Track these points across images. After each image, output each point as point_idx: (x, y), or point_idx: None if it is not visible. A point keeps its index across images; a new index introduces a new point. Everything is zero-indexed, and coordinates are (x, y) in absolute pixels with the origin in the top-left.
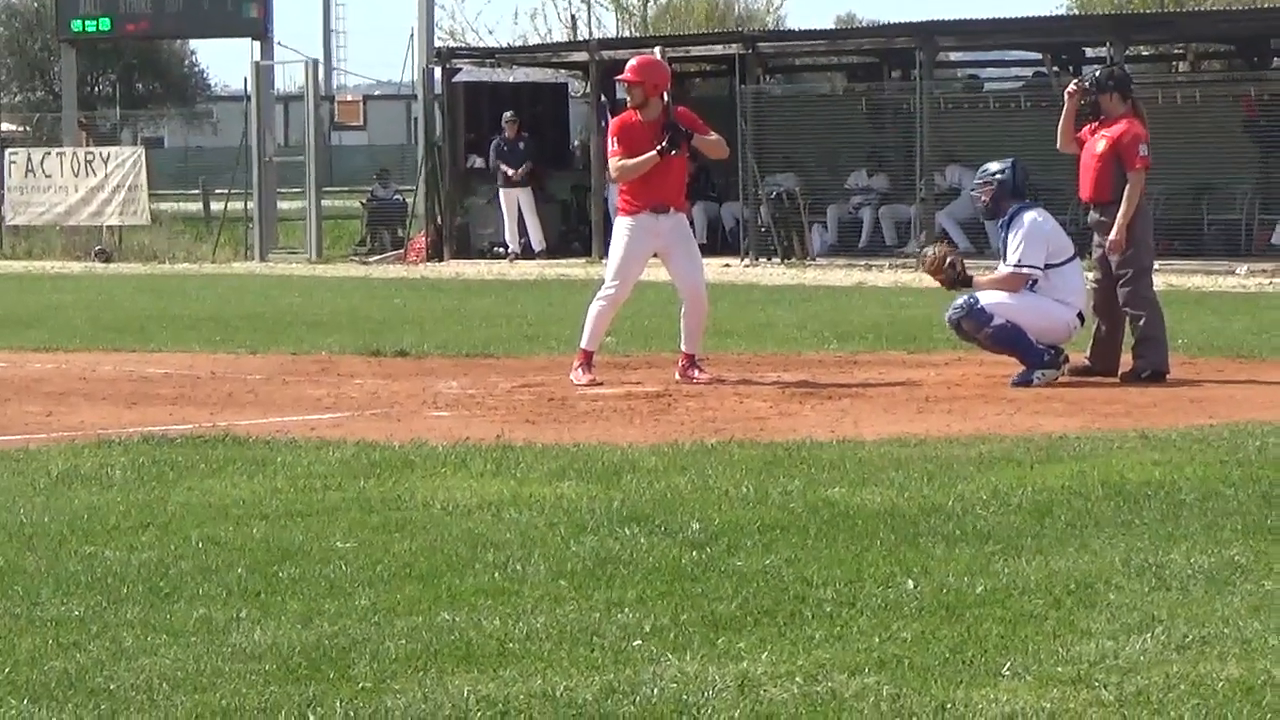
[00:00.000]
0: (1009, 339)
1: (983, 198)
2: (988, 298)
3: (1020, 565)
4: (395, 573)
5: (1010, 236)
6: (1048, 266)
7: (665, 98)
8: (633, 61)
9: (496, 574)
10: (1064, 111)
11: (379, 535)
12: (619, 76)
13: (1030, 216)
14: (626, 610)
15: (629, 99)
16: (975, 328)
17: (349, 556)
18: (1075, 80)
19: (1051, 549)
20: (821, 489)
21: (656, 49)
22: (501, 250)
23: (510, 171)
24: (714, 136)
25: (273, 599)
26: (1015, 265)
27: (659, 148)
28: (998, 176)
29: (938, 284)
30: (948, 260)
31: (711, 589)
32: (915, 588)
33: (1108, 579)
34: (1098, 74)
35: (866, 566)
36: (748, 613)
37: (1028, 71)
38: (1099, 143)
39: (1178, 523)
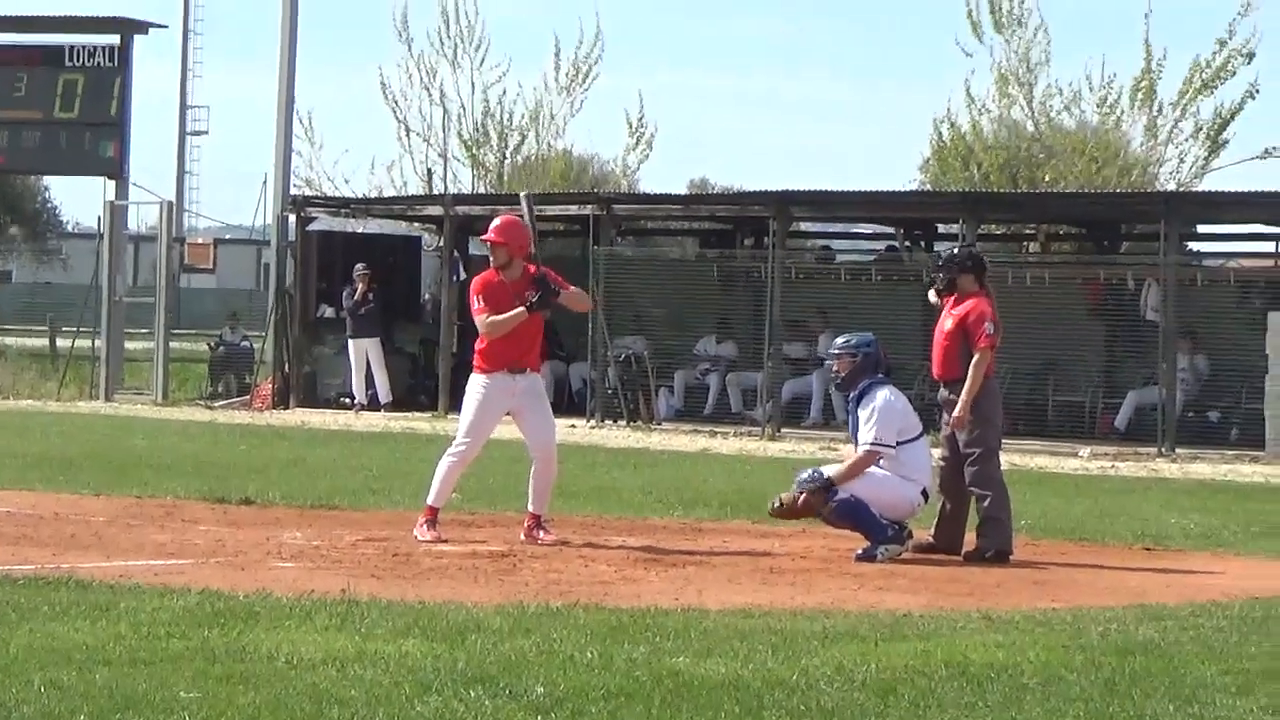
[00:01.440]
0: (853, 514)
1: (839, 369)
2: (836, 471)
3: None
4: None
5: (862, 413)
6: (897, 443)
7: (527, 257)
8: (496, 222)
9: None
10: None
11: (222, 687)
12: (482, 237)
13: (883, 394)
14: None
15: (492, 259)
16: (820, 501)
17: (192, 707)
18: (932, 293)
19: None
20: (666, 658)
21: (524, 194)
22: (348, 401)
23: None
24: (578, 290)
25: None
26: (869, 444)
27: (530, 303)
28: (864, 351)
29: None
30: (799, 501)
31: None
32: None
33: None
34: (956, 252)
35: None
36: None
37: (881, 244)
38: (948, 321)
39: (1020, 707)
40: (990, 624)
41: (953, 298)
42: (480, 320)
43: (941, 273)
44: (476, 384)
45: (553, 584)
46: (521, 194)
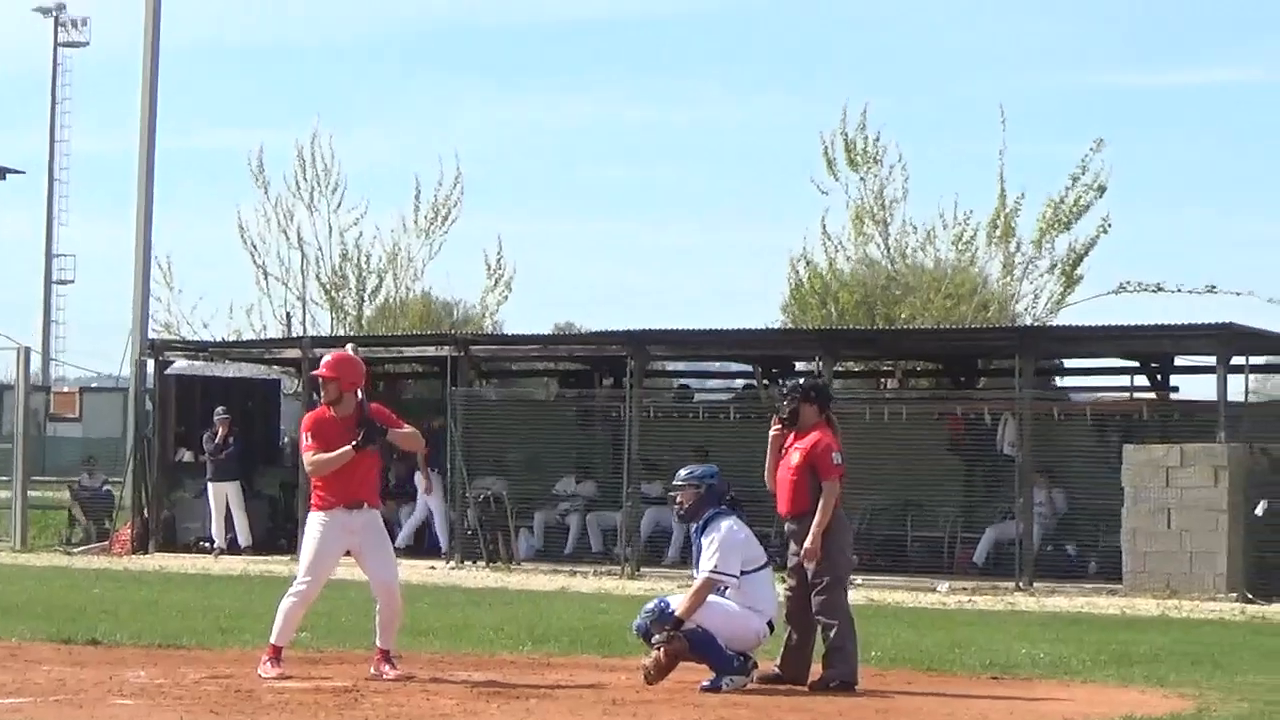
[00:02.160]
0: (699, 644)
1: (682, 501)
2: (678, 602)
3: None
4: None
5: (705, 542)
6: (741, 573)
7: (359, 394)
8: (327, 357)
9: None
10: (769, 448)
11: None
12: (314, 372)
13: (726, 524)
14: None
15: (323, 394)
16: (681, 648)
17: None
18: (775, 422)
19: None
20: None
21: (349, 345)
22: (207, 545)
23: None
24: (408, 429)
25: None
26: (710, 571)
27: (354, 443)
28: (707, 482)
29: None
30: (663, 656)
31: None
32: None
33: None
34: (800, 383)
35: None
36: None
37: (739, 382)
38: (794, 455)
39: None
40: None
41: (794, 432)
42: (307, 458)
43: (784, 402)
44: (315, 522)
45: (393, 717)
46: (347, 346)
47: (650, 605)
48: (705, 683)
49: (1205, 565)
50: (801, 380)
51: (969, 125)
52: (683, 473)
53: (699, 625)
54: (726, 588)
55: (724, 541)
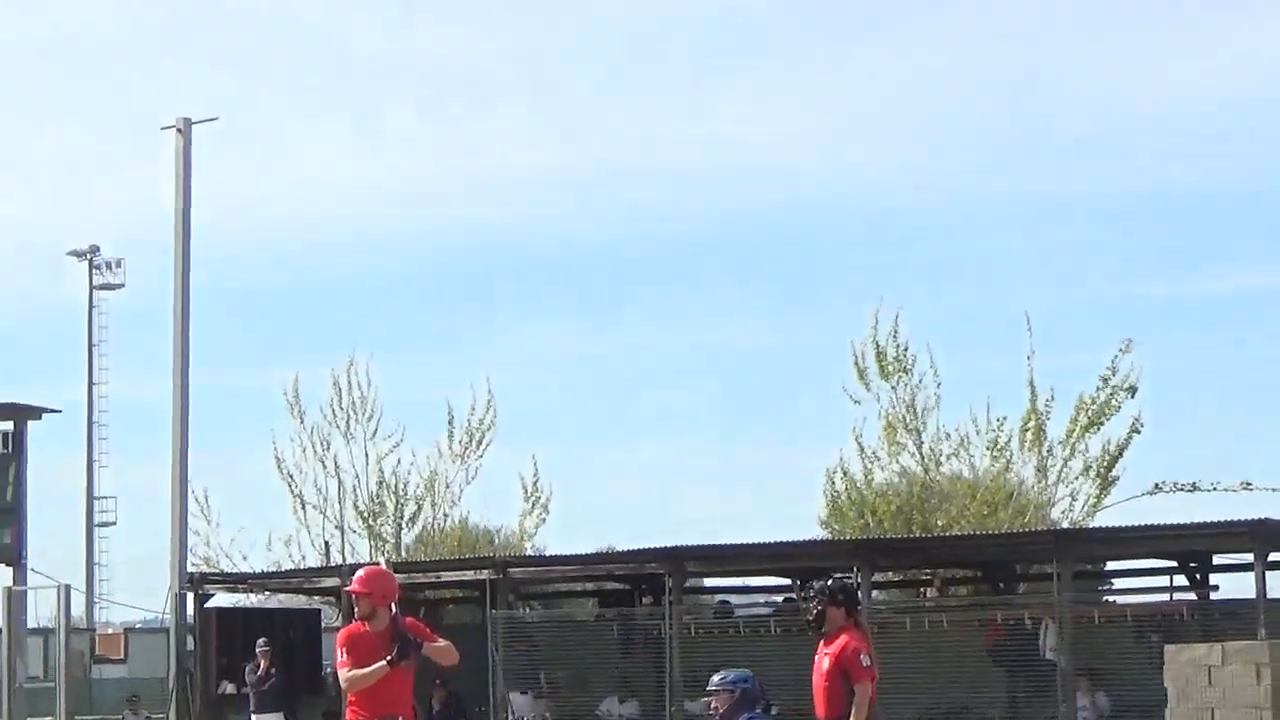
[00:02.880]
0: None
1: (717, 706)
2: None
3: None
4: None
5: None
6: None
7: (393, 609)
8: (360, 572)
9: None
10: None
11: None
12: (346, 588)
13: None
14: None
15: (356, 610)
16: None
17: None
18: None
19: None
20: None
21: (382, 560)
22: None
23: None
24: (443, 643)
25: None
26: None
27: (389, 658)
28: (741, 686)
29: None
30: None
31: None
32: None
33: None
34: (825, 584)
35: None
36: None
37: (779, 596)
38: (824, 661)
39: None
40: None
41: (824, 638)
42: (342, 674)
43: (811, 605)
44: None
45: None
46: (380, 560)
47: None
48: None
49: None
50: (828, 582)
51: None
52: (716, 678)
53: None
54: None
55: None
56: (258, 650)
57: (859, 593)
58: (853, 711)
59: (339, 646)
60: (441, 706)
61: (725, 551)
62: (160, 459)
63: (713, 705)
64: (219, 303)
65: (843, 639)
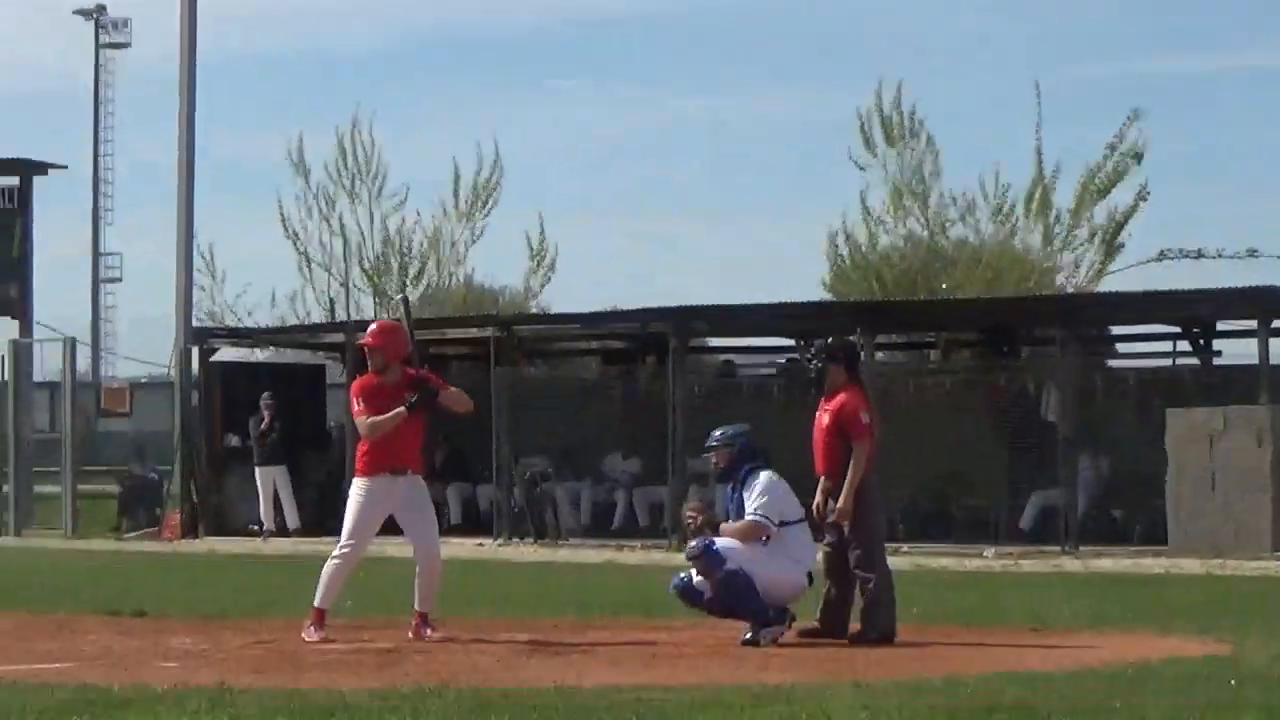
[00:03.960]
0: (739, 589)
1: (718, 461)
2: (725, 544)
3: None
4: None
5: (746, 493)
6: (781, 524)
7: (407, 360)
8: (373, 326)
9: None
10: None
11: None
12: (359, 341)
13: (766, 475)
14: None
15: (370, 363)
16: (708, 569)
17: None
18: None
19: None
20: None
21: (398, 297)
22: (256, 529)
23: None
24: (457, 390)
25: None
26: (754, 514)
27: (409, 403)
28: (740, 441)
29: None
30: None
31: None
32: None
33: None
34: (827, 343)
35: None
36: None
37: (782, 358)
38: (824, 418)
39: None
40: (860, 690)
41: (825, 396)
42: (360, 422)
43: (813, 363)
44: (358, 487)
45: (433, 672)
46: (398, 296)
47: (698, 541)
48: (744, 636)
49: (1249, 527)
50: (829, 341)
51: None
52: (716, 433)
53: (741, 569)
54: (768, 537)
55: (766, 489)
56: (262, 404)
57: (861, 353)
58: (850, 469)
59: (354, 396)
60: (445, 461)
61: (729, 312)
62: (166, 221)
63: (714, 460)
64: (227, 65)
65: (842, 397)
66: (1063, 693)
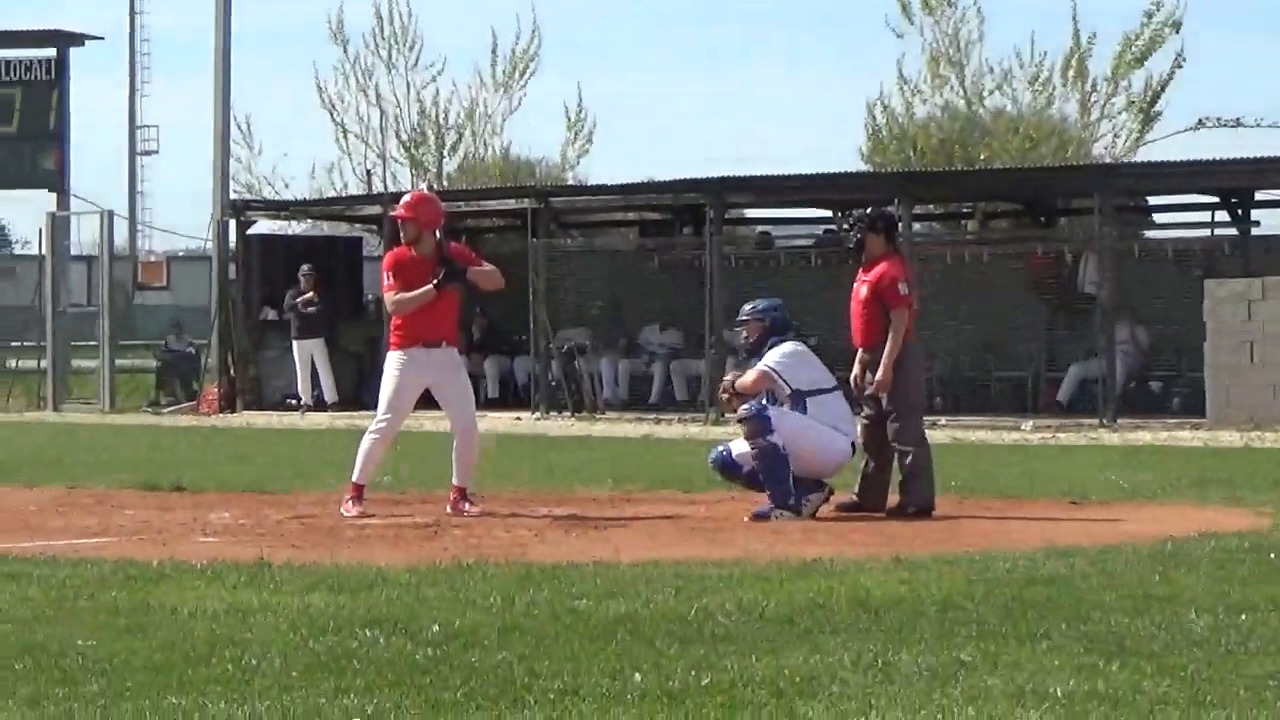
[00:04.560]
0: (772, 462)
1: (748, 335)
2: (776, 413)
3: (750, 663)
4: (128, 663)
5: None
6: (813, 393)
7: (438, 234)
8: (406, 198)
9: (230, 666)
10: None
11: (122, 636)
12: (392, 213)
13: (790, 343)
14: (352, 696)
15: (402, 235)
16: (754, 432)
17: (86, 651)
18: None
19: (785, 650)
20: (567, 600)
21: (424, 185)
22: (294, 402)
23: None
24: (488, 267)
25: (2, 686)
26: (768, 364)
27: (435, 281)
28: (771, 315)
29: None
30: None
31: (440, 680)
32: (641, 680)
33: (834, 674)
34: (865, 212)
35: (596, 662)
36: (471, 699)
37: (819, 229)
38: (862, 289)
39: (914, 630)
40: (898, 564)
41: (863, 266)
42: (389, 297)
43: (851, 232)
44: (393, 360)
45: (471, 547)
46: (422, 185)
47: (751, 404)
48: (757, 509)
49: None
50: (868, 210)
51: None
52: (747, 307)
53: (783, 444)
54: (780, 401)
55: (788, 354)
56: (301, 275)
57: (899, 222)
58: (889, 338)
59: (385, 270)
60: (482, 334)
61: (766, 182)
62: (203, 91)
63: (744, 334)
64: None
65: (881, 266)
66: (1100, 566)
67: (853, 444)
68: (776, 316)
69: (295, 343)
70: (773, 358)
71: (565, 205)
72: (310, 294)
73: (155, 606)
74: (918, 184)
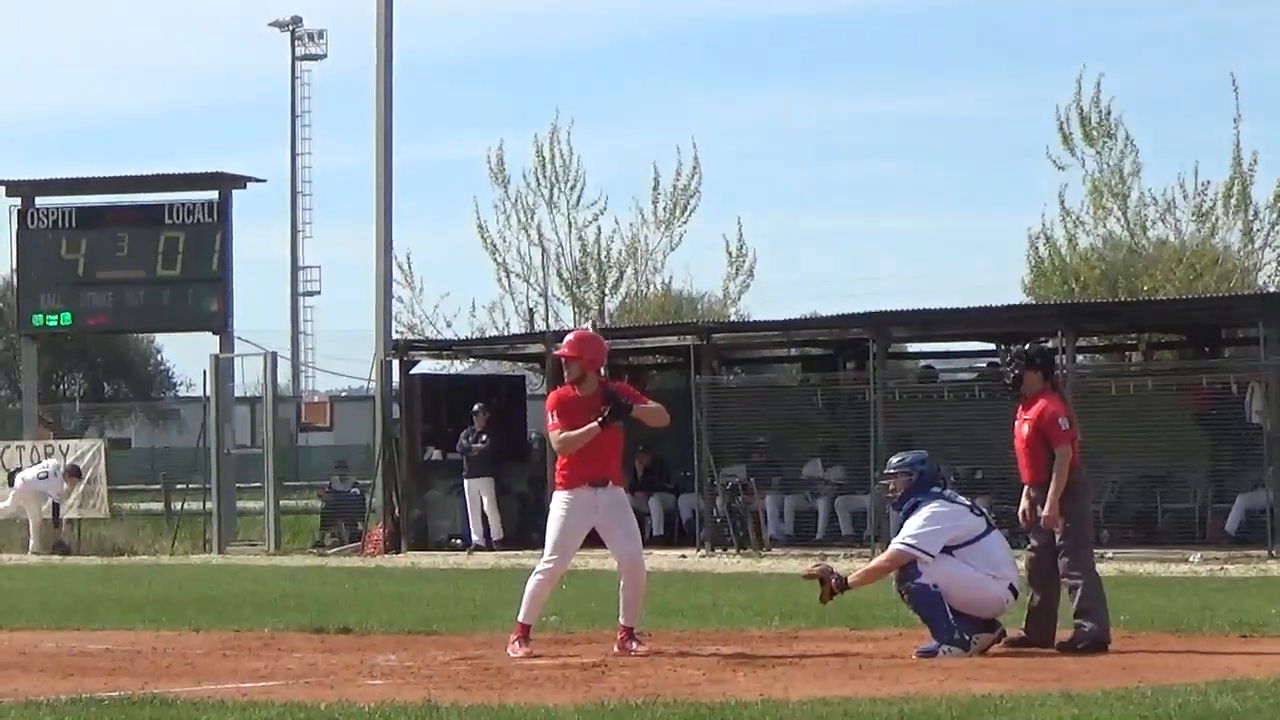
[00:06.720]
0: (927, 602)
1: (895, 488)
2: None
3: None
4: None
5: (908, 521)
6: (964, 545)
7: (601, 373)
8: (569, 337)
9: None
10: None
11: None
12: (555, 352)
13: (932, 505)
14: None
15: (566, 374)
16: (902, 577)
17: None
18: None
19: None
20: None
21: (589, 324)
22: (459, 542)
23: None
24: (653, 405)
25: None
26: (903, 542)
27: (600, 418)
28: (919, 469)
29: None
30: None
31: None
32: None
33: None
34: (1023, 349)
35: None
36: None
37: (982, 362)
38: (1023, 427)
39: None
40: (1069, 700)
41: (1023, 403)
42: (554, 436)
43: (1009, 369)
44: (559, 501)
45: (639, 687)
46: (586, 325)
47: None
48: (921, 647)
49: None
50: (1025, 347)
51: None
52: (894, 460)
53: (934, 583)
54: (922, 563)
55: (929, 519)
56: (475, 412)
57: (1056, 357)
58: (1055, 475)
59: (549, 410)
60: (645, 471)
61: (929, 316)
62: (363, 230)
63: (891, 487)
64: (421, 73)
65: (1041, 403)
66: (1273, 700)
67: (1011, 586)
68: (925, 470)
69: (466, 481)
70: (909, 530)
71: (727, 341)
72: (483, 431)
73: None
74: (1081, 315)
